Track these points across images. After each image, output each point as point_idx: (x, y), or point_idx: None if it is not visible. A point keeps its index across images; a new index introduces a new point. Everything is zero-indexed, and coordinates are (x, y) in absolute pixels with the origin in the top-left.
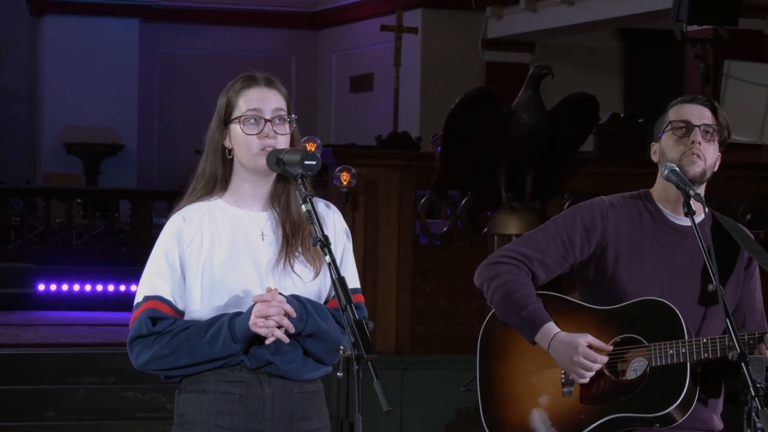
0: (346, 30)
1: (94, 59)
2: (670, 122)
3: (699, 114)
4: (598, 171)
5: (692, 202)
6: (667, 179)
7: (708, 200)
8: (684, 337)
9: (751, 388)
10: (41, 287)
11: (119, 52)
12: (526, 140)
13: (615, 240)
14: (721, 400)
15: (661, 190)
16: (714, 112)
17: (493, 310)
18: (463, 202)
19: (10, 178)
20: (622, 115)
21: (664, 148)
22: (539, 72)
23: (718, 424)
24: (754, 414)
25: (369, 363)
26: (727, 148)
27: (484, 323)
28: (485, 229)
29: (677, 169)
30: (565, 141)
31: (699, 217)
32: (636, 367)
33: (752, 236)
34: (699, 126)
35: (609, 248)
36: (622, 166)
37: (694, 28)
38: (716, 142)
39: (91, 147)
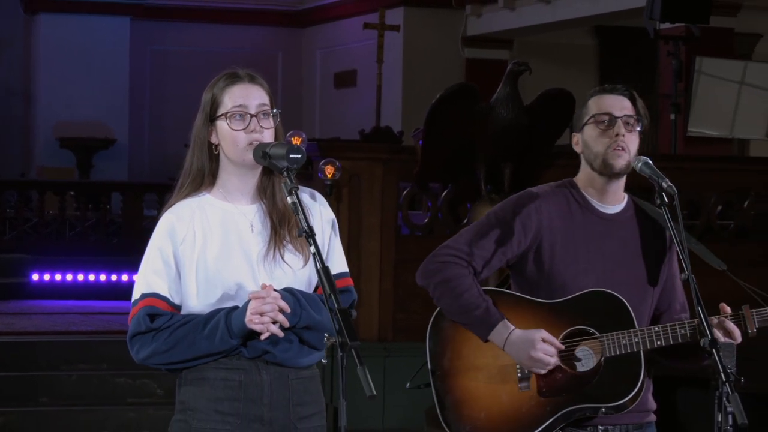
0: (331, 28)
1: (87, 56)
2: (593, 115)
3: (620, 105)
4: (573, 164)
5: (614, 190)
6: (641, 172)
7: (680, 192)
8: (634, 327)
9: (722, 374)
10: (35, 277)
11: (111, 49)
12: (504, 134)
13: (549, 231)
14: (651, 381)
15: (587, 179)
16: (633, 101)
17: (438, 308)
18: (444, 194)
19: (5, 172)
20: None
21: (588, 140)
22: (517, 68)
23: (653, 403)
24: (725, 399)
25: (353, 350)
26: (698, 141)
27: (431, 321)
28: (465, 221)
29: (650, 161)
30: (542, 135)
31: (620, 206)
32: (581, 356)
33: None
34: (621, 117)
35: (545, 240)
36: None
37: (667, 25)
38: (637, 132)
39: (83, 141)
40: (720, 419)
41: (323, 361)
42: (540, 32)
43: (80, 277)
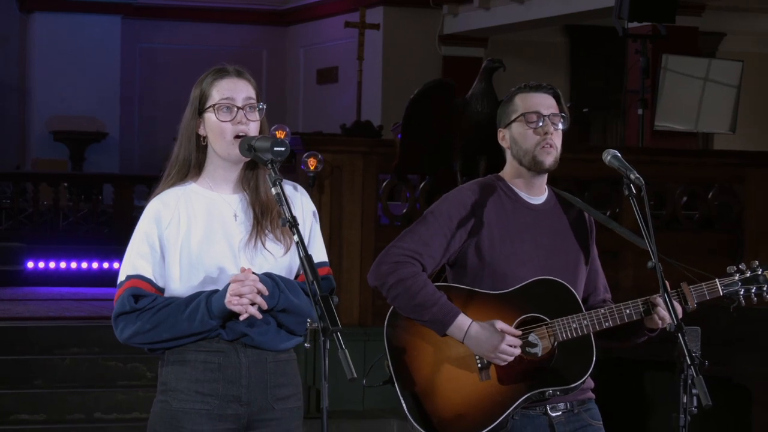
0: (313, 26)
1: (79, 53)
2: (523, 114)
3: (546, 103)
4: None
5: (540, 183)
6: (610, 164)
7: (647, 183)
8: (581, 311)
9: (687, 358)
10: (30, 265)
11: (102, 47)
12: (479, 128)
13: (488, 225)
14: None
15: (514, 173)
16: (557, 99)
17: (392, 307)
18: (422, 185)
19: (1, 164)
20: (567, 105)
21: (516, 137)
22: (492, 65)
23: (591, 382)
24: (690, 381)
25: (334, 334)
26: (664, 135)
27: (387, 318)
28: None
29: (618, 154)
30: None
31: (544, 197)
32: (541, 343)
33: (589, 206)
34: (548, 116)
35: (484, 234)
36: (567, 152)
37: (635, 24)
38: (560, 130)
39: (76, 135)
40: (685, 401)
41: (306, 345)
42: (513, 31)
43: (73, 265)
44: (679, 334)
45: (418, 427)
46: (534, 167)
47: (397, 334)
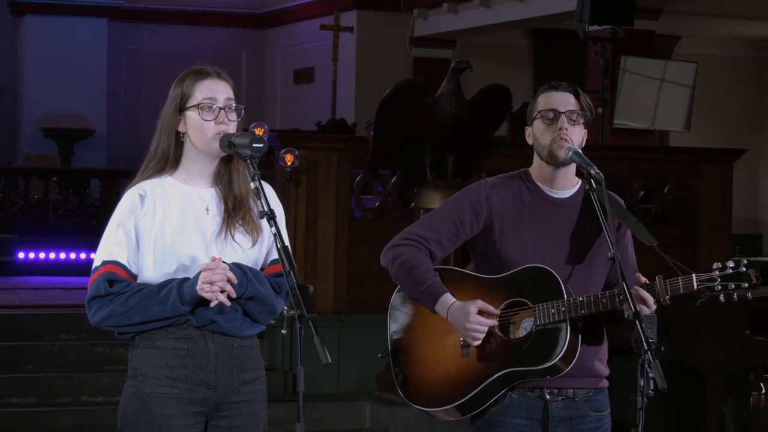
0: (290, 29)
1: (68, 54)
2: (540, 111)
3: (564, 101)
4: (510, 153)
5: (562, 177)
6: (572, 160)
7: (606, 178)
8: (563, 298)
9: (644, 343)
10: (21, 255)
11: (90, 48)
12: (448, 126)
13: (500, 216)
14: (604, 348)
15: (538, 169)
16: (577, 96)
17: (397, 287)
18: (393, 180)
19: None
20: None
21: (536, 133)
22: (460, 66)
23: (604, 370)
24: (646, 365)
25: (310, 322)
26: (623, 132)
27: (393, 297)
28: (412, 204)
29: (579, 151)
30: (482, 127)
31: (571, 191)
32: (526, 326)
33: (621, 202)
34: (564, 113)
35: (495, 224)
36: (531, 149)
37: (595, 28)
38: (581, 124)
39: (65, 131)
40: (642, 384)
41: (283, 332)
42: (480, 33)
43: (62, 255)
44: (637, 321)
45: (402, 395)
46: (550, 160)
47: (399, 312)
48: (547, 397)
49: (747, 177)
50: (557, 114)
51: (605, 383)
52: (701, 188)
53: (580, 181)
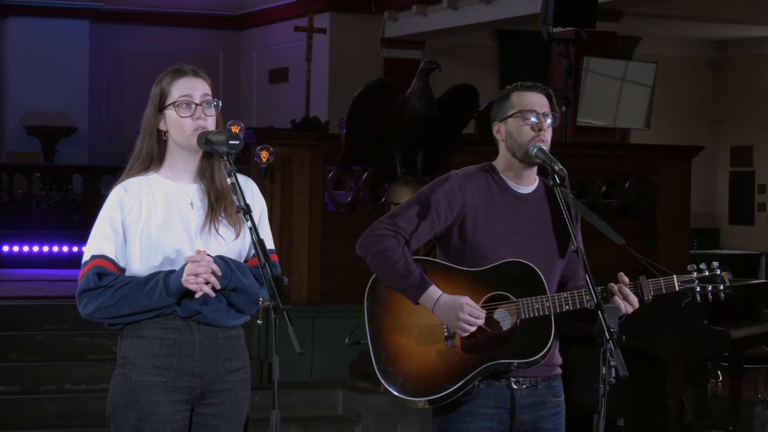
0: (266, 30)
1: (51, 54)
2: (520, 111)
3: (540, 102)
4: (477, 150)
5: (528, 174)
6: (536, 156)
7: (570, 174)
8: (545, 293)
9: (606, 333)
10: (5, 248)
11: (72, 49)
12: (417, 124)
13: (473, 208)
14: (558, 340)
15: (506, 163)
16: (549, 98)
17: (373, 276)
18: (365, 176)
19: None
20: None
21: (513, 131)
22: (428, 66)
23: (559, 359)
24: (608, 354)
25: (284, 312)
26: (585, 130)
27: (369, 285)
28: (383, 199)
29: (544, 148)
30: (450, 125)
31: (533, 187)
32: (499, 317)
33: (572, 198)
34: (542, 114)
35: (468, 216)
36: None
37: (559, 29)
38: (551, 126)
39: (48, 129)
40: (605, 372)
41: (258, 322)
42: (448, 35)
43: (45, 248)
44: (599, 312)
45: (385, 383)
46: (526, 159)
47: (377, 299)
48: (514, 386)
49: (704, 173)
50: (537, 115)
51: (559, 371)
52: (660, 184)
53: (539, 178)
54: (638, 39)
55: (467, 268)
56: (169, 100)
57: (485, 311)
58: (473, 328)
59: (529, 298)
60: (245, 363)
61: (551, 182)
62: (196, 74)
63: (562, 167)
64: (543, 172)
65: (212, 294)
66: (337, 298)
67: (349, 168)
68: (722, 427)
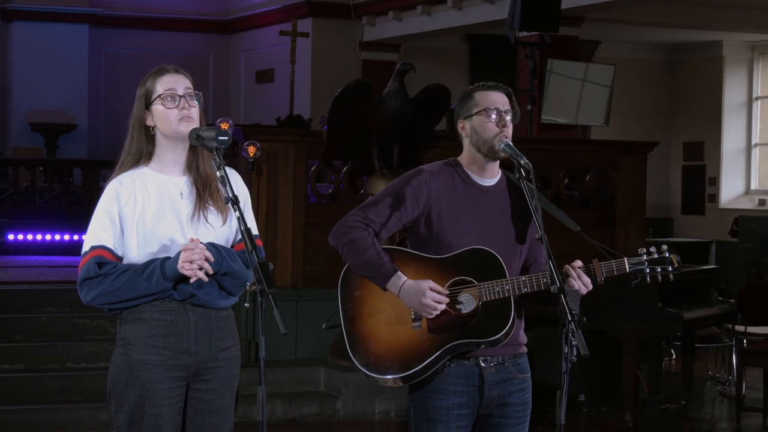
0: (253, 34)
1: (53, 56)
2: (485, 109)
3: (503, 101)
4: (449, 145)
5: (491, 167)
6: (503, 151)
7: (534, 168)
8: (506, 277)
9: (568, 315)
10: (11, 237)
11: (73, 51)
12: (393, 121)
13: (437, 201)
14: (523, 320)
15: (470, 158)
16: (510, 97)
17: (346, 265)
18: (345, 169)
19: None
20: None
21: (477, 128)
22: (404, 68)
23: (524, 338)
24: (570, 335)
25: (270, 296)
26: (549, 127)
27: (342, 274)
28: (362, 191)
29: (511, 143)
30: (424, 122)
31: (495, 179)
32: (463, 300)
33: (536, 190)
34: (504, 111)
35: (433, 209)
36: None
37: (525, 33)
38: (512, 122)
39: (50, 126)
40: (566, 351)
41: (246, 305)
42: (422, 39)
43: (48, 236)
44: (562, 295)
45: (357, 363)
46: (490, 154)
47: (349, 286)
48: (482, 364)
49: (659, 167)
50: (500, 113)
51: (525, 349)
52: (618, 177)
53: (501, 171)
54: (598, 42)
55: (433, 256)
56: (154, 96)
57: (448, 294)
58: (437, 312)
59: (490, 282)
60: (236, 341)
61: (517, 175)
62: (177, 71)
63: (527, 161)
64: (509, 166)
65: (205, 278)
66: (319, 282)
67: (330, 162)
68: (675, 401)
